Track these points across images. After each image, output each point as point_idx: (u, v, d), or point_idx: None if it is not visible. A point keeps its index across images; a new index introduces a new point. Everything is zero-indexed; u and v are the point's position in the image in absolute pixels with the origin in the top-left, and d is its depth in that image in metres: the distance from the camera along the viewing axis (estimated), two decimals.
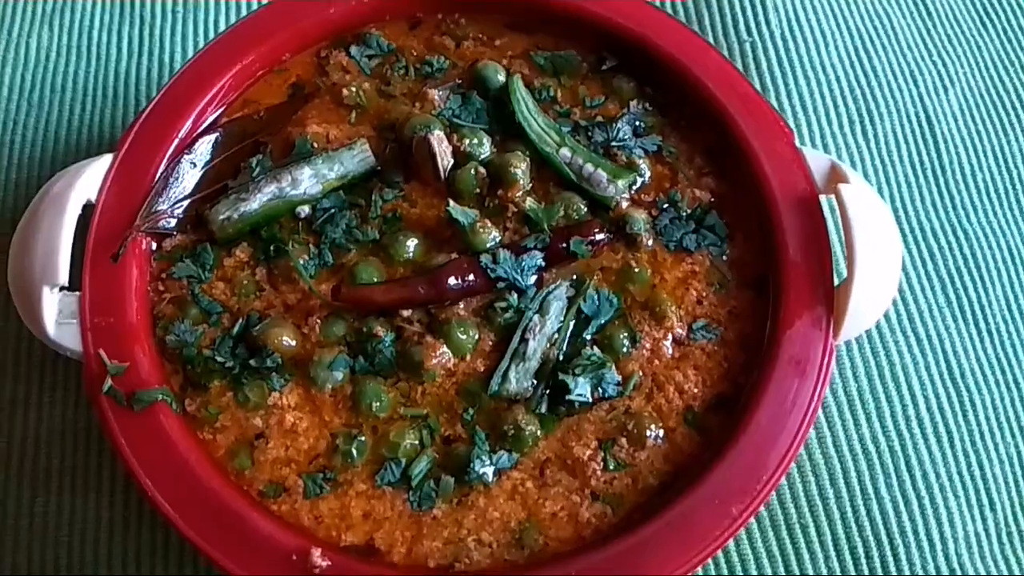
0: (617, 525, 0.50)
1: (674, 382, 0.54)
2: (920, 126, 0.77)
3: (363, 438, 0.52)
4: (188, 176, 0.57)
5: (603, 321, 0.55)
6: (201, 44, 0.76)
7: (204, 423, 0.52)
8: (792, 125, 0.75)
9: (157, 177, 0.56)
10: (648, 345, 0.55)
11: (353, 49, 0.63)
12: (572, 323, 0.55)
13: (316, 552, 0.47)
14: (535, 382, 0.53)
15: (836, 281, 0.55)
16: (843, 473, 0.63)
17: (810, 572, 0.61)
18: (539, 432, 0.52)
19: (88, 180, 0.55)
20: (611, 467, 0.52)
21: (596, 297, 0.55)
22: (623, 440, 0.52)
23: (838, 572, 0.61)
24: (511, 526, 0.50)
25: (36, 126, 0.74)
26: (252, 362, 0.53)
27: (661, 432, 0.53)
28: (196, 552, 0.48)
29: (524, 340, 0.54)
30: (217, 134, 0.58)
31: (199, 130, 0.58)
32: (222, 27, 0.76)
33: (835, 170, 0.58)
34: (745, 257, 0.57)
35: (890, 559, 0.61)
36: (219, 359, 0.53)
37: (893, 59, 0.80)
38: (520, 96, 0.60)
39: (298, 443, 0.52)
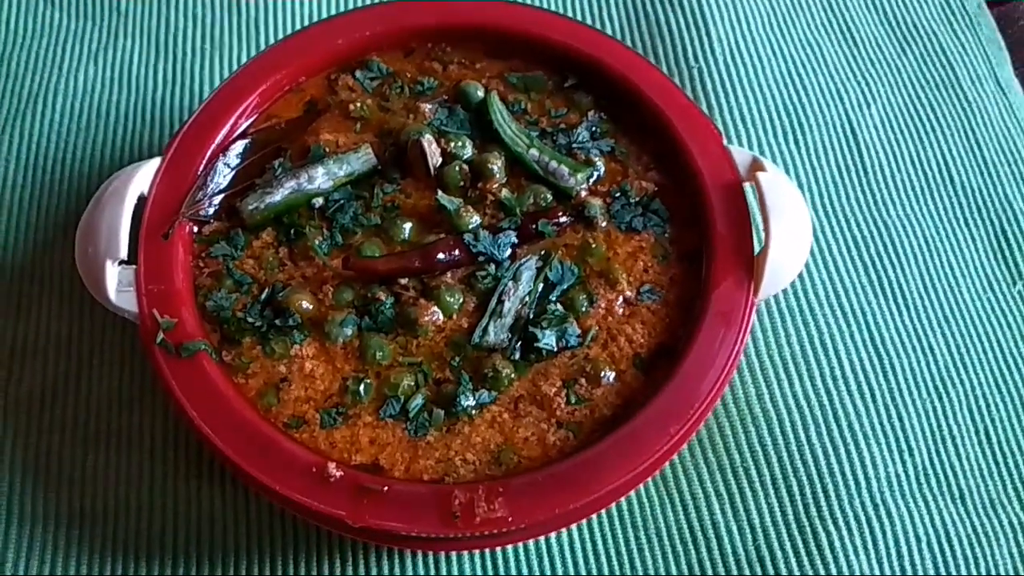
0: (577, 446, 0.61)
1: (624, 334, 0.65)
2: (846, 136, 0.88)
3: (369, 381, 0.63)
4: (223, 174, 0.69)
5: (566, 287, 0.66)
6: (226, 74, 0.89)
7: (238, 370, 0.63)
8: (733, 136, 0.87)
9: (198, 175, 0.68)
10: (603, 305, 0.66)
11: (358, 73, 0.75)
12: (540, 288, 0.66)
13: (332, 465, 0.58)
14: (510, 335, 0.65)
15: (756, 249, 0.67)
16: (779, 424, 0.73)
17: (752, 507, 0.71)
18: (513, 375, 0.63)
19: (141, 177, 0.66)
20: (572, 401, 0.63)
21: (560, 268, 0.67)
22: (583, 380, 0.63)
23: (776, 507, 0.71)
24: (491, 448, 0.61)
25: (85, 146, 0.86)
26: (277, 322, 0.64)
27: (613, 374, 0.64)
28: (234, 472, 0.59)
29: (500, 301, 0.65)
30: (247, 141, 0.71)
31: (232, 138, 0.70)
32: (244, 59, 0.89)
33: (755, 162, 0.70)
34: (683, 235, 0.69)
35: (821, 495, 0.71)
36: (250, 320, 0.64)
37: (822, 80, 0.92)
38: (496, 109, 0.73)
39: (315, 385, 0.63)
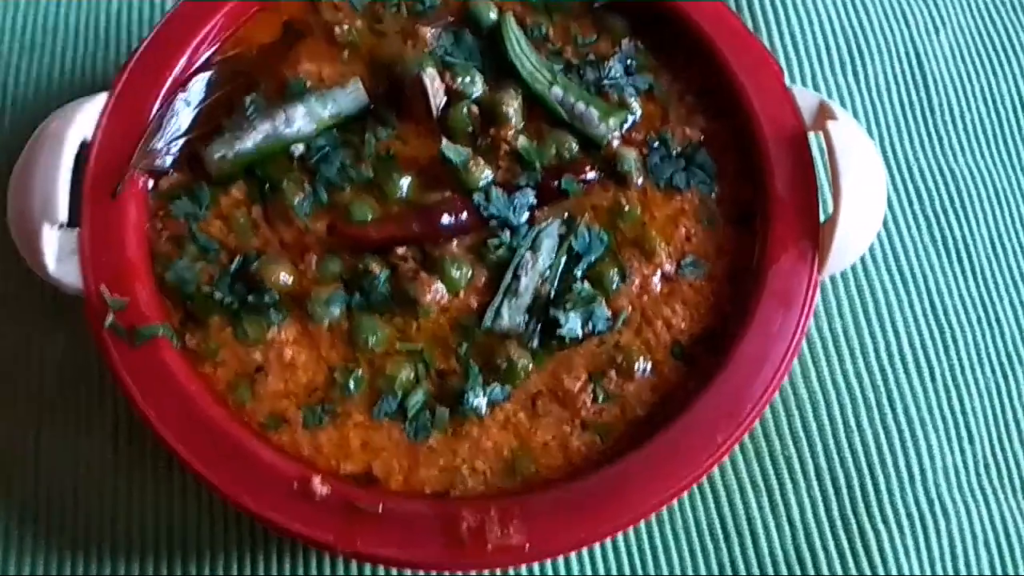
0: (606, 452, 0.52)
1: (662, 316, 0.55)
2: (910, 67, 0.77)
3: (360, 372, 0.53)
4: (183, 115, 0.57)
5: (593, 258, 0.56)
6: None
7: (204, 357, 0.53)
8: (783, 64, 0.75)
9: (152, 116, 0.56)
10: (637, 281, 0.56)
11: None
12: (563, 260, 0.56)
13: (316, 479, 0.49)
14: (527, 317, 0.55)
15: (822, 217, 0.56)
16: (826, 407, 0.65)
17: (792, 501, 0.63)
18: (531, 366, 0.53)
19: (84, 119, 0.55)
20: (600, 399, 0.53)
21: (587, 235, 0.56)
22: (612, 373, 0.54)
23: (820, 501, 0.63)
24: (504, 455, 0.52)
25: (29, 68, 0.73)
26: (250, 298, 0.54)
27: (649, 365, 0.54)
28: (199, 482, 0.50)
29: (516, 277, 0.55)
30: (211, 72, 0.59)
31: (193, 69, 0.58)
32: None
33: (823, 108, 0.58)
34: (733, 194, 0.58)
35: (870, 489, 0.63)
36: (217, 295, 0.54)
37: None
38: (512, 34, 0.60)
39: (297, 376, 0.53)
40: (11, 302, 0.64)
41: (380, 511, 0.48)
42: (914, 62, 0.77)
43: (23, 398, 0.63)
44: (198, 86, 0.58)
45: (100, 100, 0.56)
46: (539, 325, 0.54)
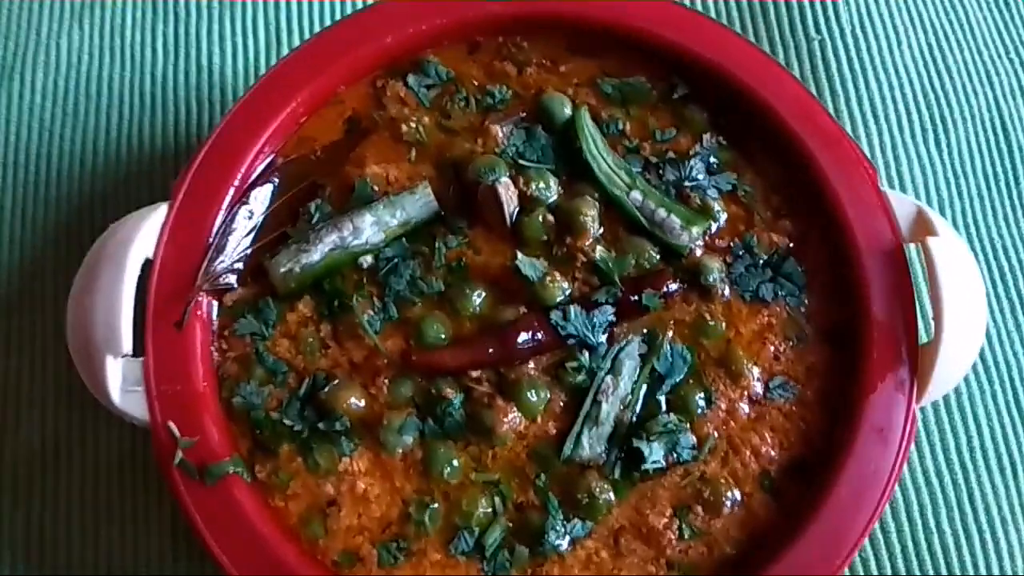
0: None
1: (750, 445, 0.53)
2: (995, 133, 0.74)
3: (435, 505, 0.51)
4: (246, 225, 0.55)
5: (677, 380, 0.53)
6: (239, 43, 0.73)
7: (275, 490, 0.51)
8: (861, 131, 0.71)
9: (215, 231, 0.53)
10: (723, 405, 0.53)
11: (410, 78, 0.59)
12: (645, 384, 0.53)
13: None
14: (608, 446, 0.52)
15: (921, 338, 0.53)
16: (905, 506, 0.63)
17: None
18: (613, 499, 0.51)
19: (145, 235, 0.52)
20: (686, 535, 0.51)
21: (669, 354, 0.54)
22: (698, 507, 0.52)
23: None
24: None
25: (73, 136, 0.71)
26: (321, 425, 0.52)
27: (737, 498, 0.52)
28: None
29: (596, 403, 0.52)
30: (274, 179, 0.56)
31: (255, 173, 0.56)
32: (260, 24, 0.72)
33: (921, 217, 0.55)
34: (824, 308, 0.55)
35: None
36: (287, 422, 0.52)
37: (968, 58, 0.76)
38: (588, 133, 0.57)
39: (370, 510, 0.51)
40: (64, 396, 0.62)
41: None
42: (999, 128, 0.74)
43: (78, 492, 0.61)
44: (262, 193, 0.55)
45: (160, 213, 0.53)
46: (621, 455, 0.52)
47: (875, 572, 0.62)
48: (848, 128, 0.71)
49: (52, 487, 0.60)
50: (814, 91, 0.72)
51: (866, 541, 0.62)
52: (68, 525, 0.60)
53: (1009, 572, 0.62)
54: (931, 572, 0.61)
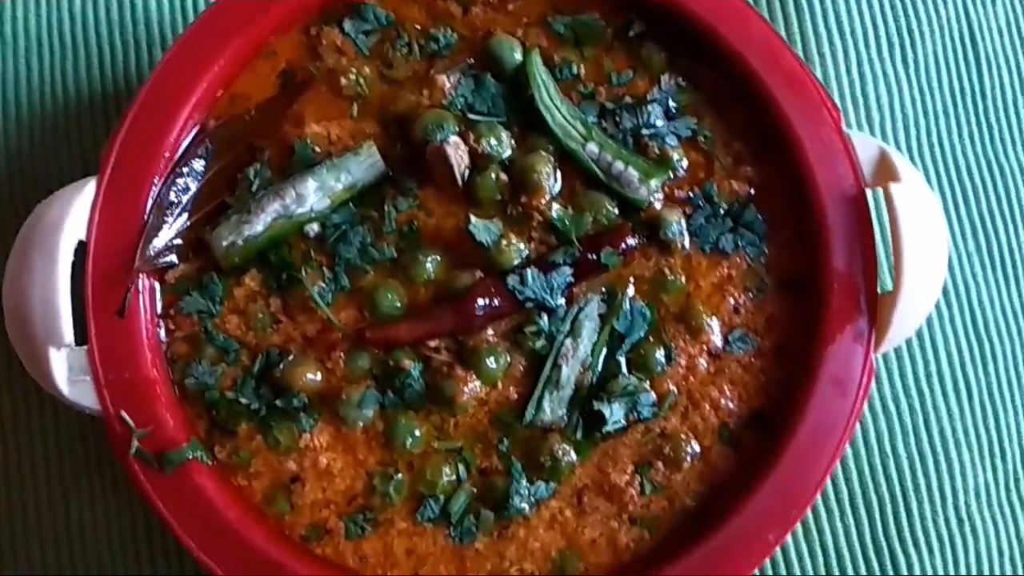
0: (655, 548, 0.52)
1: (710, 399, 0.53)
2: (963, 44, 0.71)
3: (400, 476, 0.51)
4: (182, 197, 0.52)
5: (636, 338, 0.53)
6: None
7: (237, 469, 0.51)
8: (827, 47, 0.69)
9: (149, 206, 0.51)
10: (683, 361, 0.53)
11: (347, 24, 0.55)
12: (605, 345, 0.53)
13: None
14: (569, 410, 0.52)
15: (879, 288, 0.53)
16: (863, 433, 0.64)
17: (826, 528, 0.63)
18: (575, 460, 0.52)
19: (75, 216, 0.50)
20: (647, 491, 0.52)
21: (629, 312, 0.53)
22: (659, 463, 0.52)
23: (853, 528, 0.63)
24: (551, 555, 0.51)
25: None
26: (278, 403, 0.51)
27: (697, 451, 0.53)
28: None
29: (557, 366, 0.52)
30: (207, 143, 0.52)
31: (186, 140, 0.52)
32: None
33: (884, 160, 0.53)
34: (784, 257, 0.54)
35: (903, 513, 0.63)
36: (243, 401, 0.51)
37: None
38: (540, 80, 0.54)
39: (335, 484, 0.51)
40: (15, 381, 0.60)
41: None
42: (967, 39, 0.71)
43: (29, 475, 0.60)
44: (195, 161, 0.52)
45: (89, 191, 0.50)
46: (582, 417, 0.52)
47: (832, 496, 0.64)
48: (812, 45, 0.68)
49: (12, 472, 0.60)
50: (777, 6, 0.68)
51: None
52: (23, 503, 0.60)
53: (959, 487, 0.64)
54: (886, 493, 0.64)
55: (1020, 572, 0.65)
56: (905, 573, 0.63)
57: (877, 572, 0.63)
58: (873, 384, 0.64)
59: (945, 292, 0.67)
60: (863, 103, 0.68)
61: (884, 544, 0.63)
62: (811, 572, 0.63)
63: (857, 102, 0.68)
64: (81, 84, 0.67)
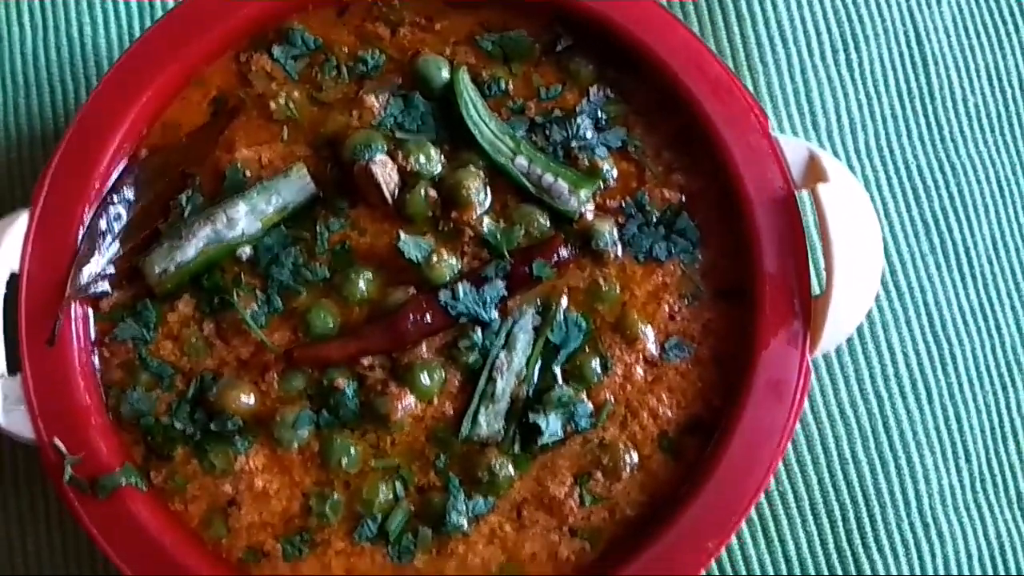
0: (596, 560, 0.51)
1: (648, 407, 0.53)
2: (909, 46, 0.71)
3: (336, 496, 0.51)
4: (114, 226, 0.52)
5: (572, 349, 0.53)
6: (110, 10, 0.68)
7: (173, 494, 0.51)
8: (769, 55, 0.69)
9: (81, 236, 0.51)
10: (620, 370, 0.53)
11: (276, 50, 0.56)
12: (540, 357, 0.52)
13: None
14: (506, 423, 0.52)
15: (814, 290, 0.53)
16: (820, 439, 0.64)
17: (788, 536, 0.62)
18: (513, 474, 0.51)
19: (8, 248, 0.50)
20: (587, 502, 0.52)
21: (564, 323, 0.53)
22: (598, 474, 0.52)
23: (815, 535, 0.63)
24: (492, 571, 0.51)
25: None
26: (212, 426, 0.51)
27: (636, 460, 0.52)
28: None
29: (491, 380, 0.52)
30: (137, 172, 0.53)
31: (117, 170, 0.53)
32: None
33: (814, 162, 0.53)
34: (718, 263, 0.54)
35: (866, 519, 0.63)
36: (178, 426, 0.51)
37: None
38: (467, 98, 0.54)
39: (271, 506, 0.51)
40: None
41: None
42: (913, 41, 0.71)
43: None
44: (126, 190, 0.53)
45: (22, 222, 0.51)
46: (519, 430, 0.52)
47: (793, 504, 0.63)
48: (755, 54, 0.68)
49: None
50: (719, 16, 0.68)
51: (783, 475, 0.63)
52: None
53: (923, 491, 0.63)
54: (847, 500, 0.63)
55: (990, 574, 0.63)
56: None
57: None
58: (829, 389, 0.64)
59: (900, 294, 0.66)
60: (808, 110, 0.69)
61: (848, 551, 0.63)
62: None
63: (803, 109, 0.69)
64: (33, 120, 0.68)
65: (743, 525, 0.62)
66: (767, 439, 0.50)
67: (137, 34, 0.67)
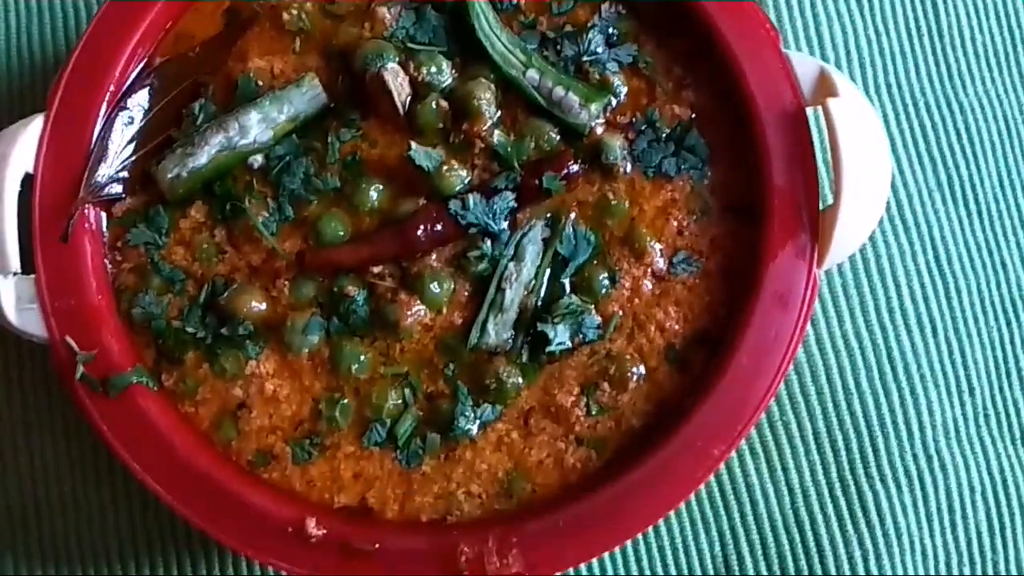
0: (602, 468, 0.51)
1: (655, 320, 0.53)
2: None
3: (346, 401, 0.52)
4: (127, 131, 0.53)
5: (581, 261, 0.53)
6: None
7: (184, 397, 0.52)
8: None
9: (95, 139, 0.51)
10: (627, 284, 0.53)
11: None
12: (548, 268, 0.53)
13: (311, 522, 0.48)
14: (514, 332, 0.52)
15: (820, 204, 0.53)
16: (825, 370, 0.64)
17: (791, 466, 0.63)
18: (521, 382, 0.52)
19: (21, 150, 0.51)
20: (594, 412, 0.52)
21: (572, 236, 0.53)
22: (605, 384, 0.52)
23: (819, 465, 0.63)
24: (499, 476, 0.51)
25: None
26: (223, 331, 0.52)
27: (642, 372, 0.53)
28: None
29: (500, 290, 0.52)
30: (151, 80, 0.53)
31: (131, 76, 0.53)
32: None
33: (824, 78, 0.53)
34: (727, 180, 0.55)
35: (869, 450, 0.63)
36: (189, 330, 0.52)
37: None
38: (479, 10, 0.54)
39: (281, 410, 0.52)
40: None
41: (376, 548, 0.48)
42: None
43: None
44: (140, 97, 0.53)
45: (36, 125, 0.51)
46: (527, 339, 0.52)
47: (796, 434, 0.64)
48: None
49: None
50: None
51: (788, 405, 0.63)
52: None
53: (927, 423, 0.64)
54: (851, 430, 0.63)
55: (992, 509, 0.64)
56: (873, 509, 0.62)
57: (844, 509, 0.63)
58: (835, 320, 0.65)
59: (907, 227, 0.67)
60: (818, 44, 0.69)
61: (851, 481, 0.63)
62: (777, 510, 0.63)
63: (812, 43, 0.69)
64: (47, 48, 0.68)
65: (748, 458, 0.63)
66: (774, 349, 0.50)
67: None
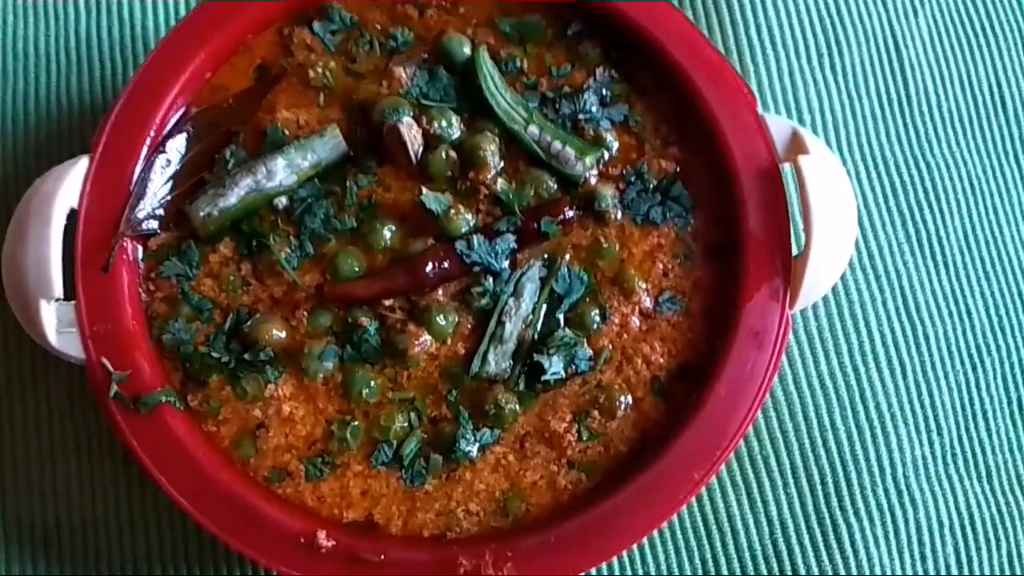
0: (591, 490, 0.56)
1: (642, 354, 0.58)
2: (888, 53, 0.77)
3: (356, 423, 0.56)
4: (165, 173, 0.58)
5: (574, 299, 0.58)
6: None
7: (207, 416, 0.56)
8: (759, 56, 0.75)
9: (135, 179, 0.57)
10: (617, 320, 0.58)
11: (315, 25, 0.62)
12: (545, 304, 0.58)
13: (322, 534, 0.52)
14: (512, 363, 0.57)
15: (793, 251, 0.58)
16: (802, 408, 0.68)
17: (770, 499, 0.67)
18: (518, 409, 0.56)
19: (69, 187, 0.56)
20: (585, 437, 0.56)
21: (567, 276, 0.58)
22: (595, 412, 0.57)
23: (796, 498, 0.67)
24: (496, 496, 0.56)
25: (3, 97, 0.73)
26: (246, 356, 0.56)
27: (630, 401, 0.57)
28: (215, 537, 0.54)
29: (501, 323, 0.57)
30: (188, 127, 0.59)
31: (170, 123, 0.59)
32: None
33: (796, 137, 0.59)
34: (708, 227, 0.60)
35: (843, 484, 0.67)
36: (214, 355, 0.56)
37: None
38: (486, 71, 0.60)
39: (296, 430, 0.56)
40: (12, 345, 0.66)
41: (382, 559, 0.52)
42: (891, 48, 0.77)
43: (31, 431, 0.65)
44: (178, 142, 0.58)
45: (82, 165, 0.56)
46: (524, 369, 0.57)
47: (775, 468, 0.67)
48: (747, 56, 0.74)
49: (8, 431, 0.65)
50: (715, 20, 0.75)
51: (767, 441, 0.68)
52: (27, 463, 0.65)
53: (897, 459, 0.68)
54: (826, 465, 0.67)
55: (960, 543, 0.67)
56: (847, 540, 0.66)
57: (820, 540, 0.66)
58: (810, 361, 0.69)
59: (878, 276, 0.71)
60: (795, 108, 0.74)
61: (827, 513, 0.67)
62: (757, 540, 0.66)
63: (790, 108, 0.74)
64: (84, 95, 0.74)
65: (730, 489, 0.67)
66: (750, 382, 0.55)
67: (183, 15, 0.73)
